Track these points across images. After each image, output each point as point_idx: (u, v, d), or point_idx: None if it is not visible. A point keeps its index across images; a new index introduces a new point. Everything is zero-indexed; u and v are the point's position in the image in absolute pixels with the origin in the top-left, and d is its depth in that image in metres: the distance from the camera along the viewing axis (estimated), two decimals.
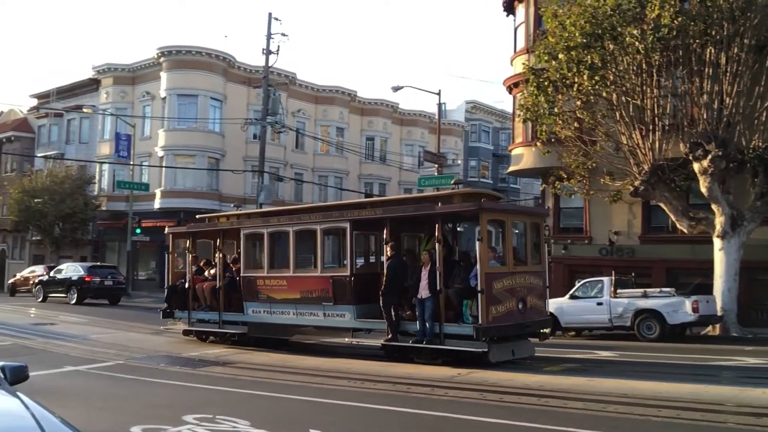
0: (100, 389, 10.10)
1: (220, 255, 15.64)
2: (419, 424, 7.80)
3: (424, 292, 11.82)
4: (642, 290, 17.66)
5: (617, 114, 18.46)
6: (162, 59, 38.93)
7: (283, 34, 29.47)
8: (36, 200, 38.85)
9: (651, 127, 18.08)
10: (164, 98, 38.84)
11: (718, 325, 17.60)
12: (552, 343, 17.18)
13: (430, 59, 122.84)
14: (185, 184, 38.11)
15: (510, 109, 34.09)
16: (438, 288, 11.71)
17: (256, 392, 9.70)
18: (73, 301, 28.67)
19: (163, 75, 38.88)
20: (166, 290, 17.67)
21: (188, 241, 17.07)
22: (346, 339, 14.08)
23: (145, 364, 12.61)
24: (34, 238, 43.96)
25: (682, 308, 16.55)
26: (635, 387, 9.78)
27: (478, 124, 57.91)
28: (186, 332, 16.74)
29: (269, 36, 28.82)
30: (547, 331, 13.13)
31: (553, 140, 20.42)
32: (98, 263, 34.07)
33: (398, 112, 50.46)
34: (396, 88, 29.68)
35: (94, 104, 41.66)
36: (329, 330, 14.33)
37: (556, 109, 19.35)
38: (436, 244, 11.96)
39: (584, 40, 17.59)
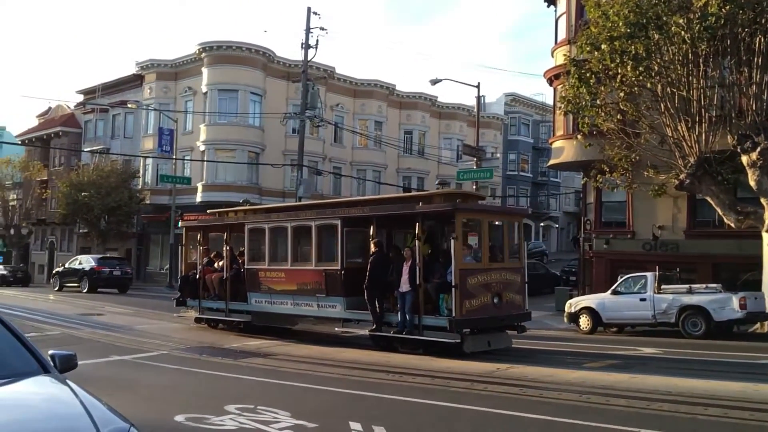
0: (145, 378, 10.34)
1: (227, 248, 16.72)
2: (459, 419, 7.76)
3: (404, 285, 12.54)
4: (687, 286, 17.27)
5: (662, 105, 18.00)
6: (203, 54, 39.50)
7: (322, 29, 29.61)
8: (83, 194, 39.91)
9: (697, 119, 17.58)
10: (206, 93, 39.42)
11: (766, 323, 17.09)
12: (593, 338, 16.99)
13: (470, 52, 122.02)
14: (226, 177, 38.66)
15: (550, 102, 33.57)
16: (417, 282, 12.40)
17: (296, 384, 9.80)
18: (85, 290, 30.60)
19: (205, 70, 39.45)
20: (179, 280, 18.83)
21: (199, 234, 18.19)
22: (336, 328, 14.72)
23: (188, 354, 12.85)
24: (81, 231, 45.19)
25: (728, 305, 16.11)
26: (680, 384, 9.57)
27: (517, 117, 57.27)
28: (197, 320, 17.77)
29: (308, 30, 28.99)
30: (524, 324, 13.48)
31: (595, 133, 20.04)
32: (108, 255, 36.18)
33: (437, 105, 50.22)
34: (434, 81, 29.51)
35: (137, 99, 42.54)
36: (323, 320, 15.18)
37: (598, 101, 18.97)
38: (416, 241, 12.62)
39: (628, 30, 17.16)
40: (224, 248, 16.90)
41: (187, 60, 41.43)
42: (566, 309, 18.95)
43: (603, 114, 19.06)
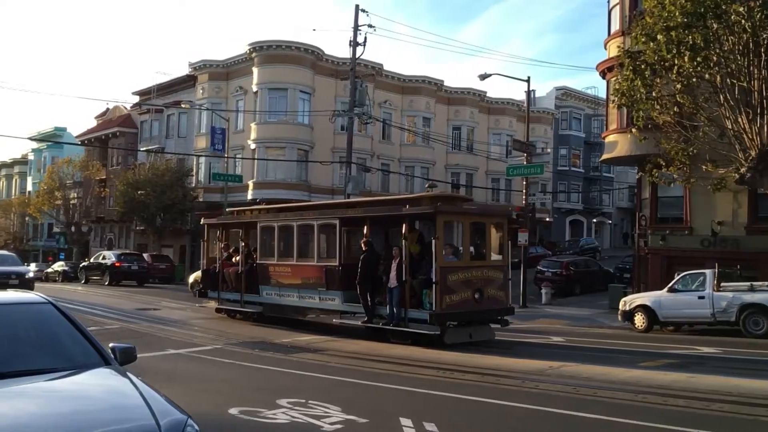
0: (199, 372, 10.57)
1: (243, 244, 18.11)
2: (511, 417, 7.68)
3: (392, 281, 13.53)
4: (748, 284, 16.67)
5: (721, 97, 17.39)
6: (254, 54, 40.09)
7: (370, 26, 29.55)
8: (139, 192, 41.06)
9: (759, 111, 16.90)
10: (256, 92, 40.01)
11: None
12: (649, 337, 16.58)
13: (519, 46, 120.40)
14: (276, 175, 39.18)
15: (603, 95, 32.81)
16: (404, 278, 13.38)
17: (346, 379, 9.87)
18: (107, 282, 34.31)
19: (255, 70, 40.05)
20: (201, 274, 20.36)
21: (219, 231, 19.80)
22: (334, 320, 15.76)
23: (240, 349, 13.07)
24: (138, 228, 46.51)
25: None
26: (741, 385, 9.26)
27: (568, 111, 56.26)
28: (218, 310, 19.27)
29: (356, 28, 29.03)
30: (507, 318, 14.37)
31: (650, 126, 19.51)
32: (127, 251, 40.19)
33: (485, 100, 49.74)
34: (483, 76, 29.16)
35: (191, 100, 43.50)
36: (325, 311, 16.31)
37: (654, 93, 18.45)
38: (403, 241, 13.57)
39: (685, 20, 16.62)
40: (240, 244, 18.24)
41: (238, 60, 42.12)
42: (620, 307, 18.55)
43: (659, 107, 18.54)
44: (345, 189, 31.36)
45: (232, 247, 19.17)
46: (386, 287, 13.73)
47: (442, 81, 47.27)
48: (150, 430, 3.55)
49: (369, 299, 14.06)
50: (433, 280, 12.90)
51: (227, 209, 22.44)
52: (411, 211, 13.86)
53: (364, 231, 14.53)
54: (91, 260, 38.02)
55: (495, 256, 14.30)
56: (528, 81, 29.48)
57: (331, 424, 6.98)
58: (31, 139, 59.65)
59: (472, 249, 14.11)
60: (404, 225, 13.62)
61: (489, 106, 50.27)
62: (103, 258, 36.39)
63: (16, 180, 69.86)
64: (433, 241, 13.01)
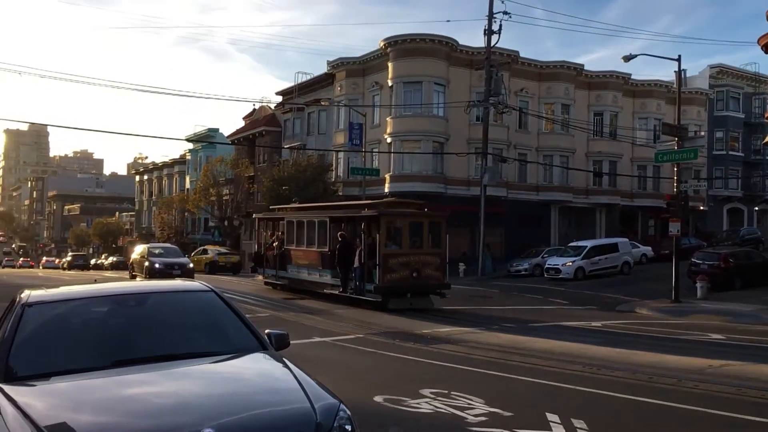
0: (344, 359, 10.93)
1: (278, 233, 24.68)
2: (666, 417, 7.21)
3: (356, 263, 19.04)
4: None
5: None
6: (388, 49, 40.66)
7: (505, 13, 29.02)
8: (284, 187, 43.08)
9: None
10: (391, 87, 40.56)
11: None
12: None
13: (666, 23, 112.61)
14: (412, 168, 39.54)
15: (765, 71, 29.87)
16: (362, 261, 18.73)
17: (488, 372, 9.75)
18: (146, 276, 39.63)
19: (390, 64, 40.61)
20: (254, 255, 28.06)
21: (264, 224, 27.08)
22: (325, 290, 20.82)
23: (381, 338, 13.35)
24: None
25: None
26: None
27: (725, 91, 51.79)
28: (265, 283, 25.78)
29: (491, 16, 28.61)
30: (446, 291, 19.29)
31: None
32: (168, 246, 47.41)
33: (630, 83, 47.03)
34: (628, 58, 27.60)
35: (329, 97, 44.96)
36: (321, 285, 21.38)
37: None
38: (362, 234, 18.92)
39: None
40: (276, 233, 24.80)
41: (374, 56, 42.91)
42: None
43: None
44: (481, 180, 31.00)
45: (273, 235, 25.30)
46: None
47: (582, 65, 45.32)
48: (305, 413, 3.69)
49: (344, 276, 19.60)
50: (377, 263, 17.93)
51: (270, 207, 29.46)
52: (365, 213, 19.46)
53: (342, 226, 20.09)
54: (132, 256, 44.94)
55: (432, 246, 18.98)
56: (678, 60, 27.49)
57: (475, 416, 6.93)
58: (187, 140, 64.46)
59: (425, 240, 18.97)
60: (362, 223, 19.15)
61: (634, 89, 47.53)
62: (140, 254, 43.51)
63: (176, 179, 76.00)
64: (377, 235, 18.07)
